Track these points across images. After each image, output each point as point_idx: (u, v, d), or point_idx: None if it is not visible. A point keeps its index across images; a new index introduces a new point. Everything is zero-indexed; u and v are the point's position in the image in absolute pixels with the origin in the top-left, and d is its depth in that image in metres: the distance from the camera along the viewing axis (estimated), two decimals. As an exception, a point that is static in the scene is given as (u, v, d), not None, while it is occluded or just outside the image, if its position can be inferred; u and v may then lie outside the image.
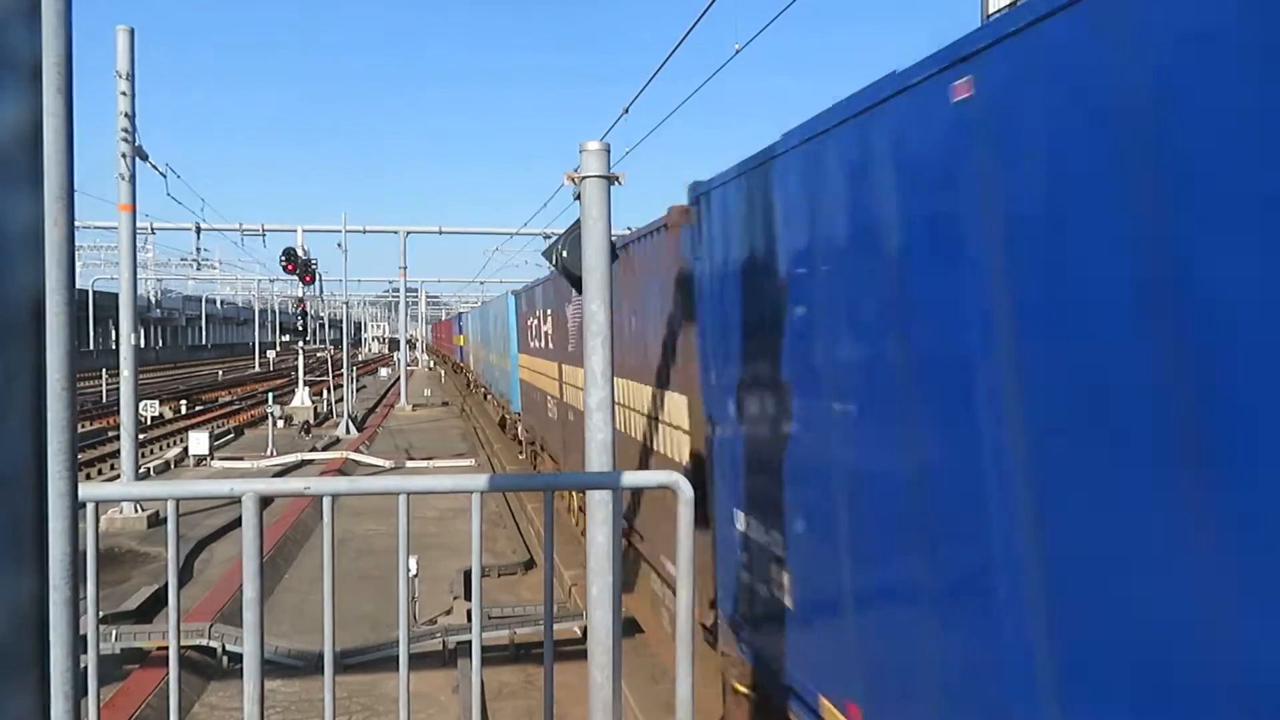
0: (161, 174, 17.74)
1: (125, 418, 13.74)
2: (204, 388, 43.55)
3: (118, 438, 15.87)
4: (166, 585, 3.28)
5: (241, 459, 19.77)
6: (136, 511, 13.62)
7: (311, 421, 27.04)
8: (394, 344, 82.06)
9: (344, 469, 18.81)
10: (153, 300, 77.95)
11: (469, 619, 8.45)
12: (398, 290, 42.13)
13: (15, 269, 1.09)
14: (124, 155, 13.54)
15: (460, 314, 42.17)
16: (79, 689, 1.31)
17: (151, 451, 21.23)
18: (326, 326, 50.80)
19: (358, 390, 37.62)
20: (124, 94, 13.50)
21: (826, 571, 3.93)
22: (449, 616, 9.23)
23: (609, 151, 4.46)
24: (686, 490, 3.06)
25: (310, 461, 19.74)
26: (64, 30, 1.26)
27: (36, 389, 1.13)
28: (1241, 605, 1.97)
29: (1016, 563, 2.68)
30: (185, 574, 11.04)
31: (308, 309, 28.99)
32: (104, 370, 35.29)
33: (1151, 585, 2.20)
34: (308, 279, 26.02)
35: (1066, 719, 2.51)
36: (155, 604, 9.60)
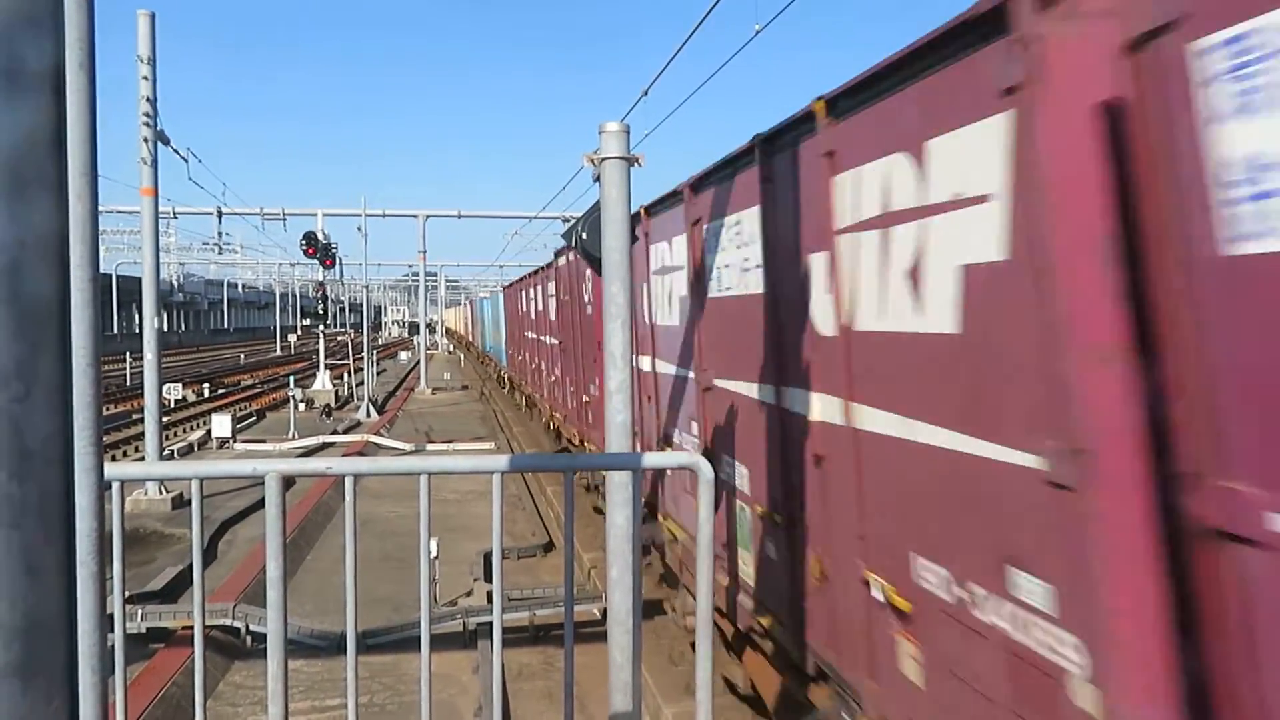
0: (183, 158, 17.82)
1: (149, 400, 13.88)
2: (226, 371, 43.90)
3: (142, 420, 16.04)
4: (191, 565, 3.32)
5: (264, 441, 19.93)
6: (161, 493, 13.77)
7: (332, 405, 27.21)
8: (415, 328, 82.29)
9: (365, 452, 18.93)
10: (175, 284, 78.63)
11: (489, 600, 8.52)
12: (417, 274, 42.18)
13: (44, 256, 1.10)
14: (146, 139, 13.62)
15: None
16: (106, 664, 1.32)
17: (175, 434, 21.44)
18: (347, 310, 51.15)
19: (378, 374, 37.83)
20: (145, 78, 13.56)
21: None
22: (469, 598, 9.29)
23: (628, 133, 4.44)
24: (707, 471, 3.06)
25: (331, 444, 19.88)
26: (86, 23, 1.26)
27: (62, 366, 1.14)
28: None
29: None
30: (209, 555, 11.16)
31: (328, 293, 29.12)
32: (128, 354, 35.62)
33: None
34: (328, 263, 26.13)
35: None
36: (180, 584, 9.72)
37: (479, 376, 41.73)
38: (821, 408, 4.36)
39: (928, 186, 3.33)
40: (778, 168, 4.85)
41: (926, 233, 3.36)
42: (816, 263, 4.35)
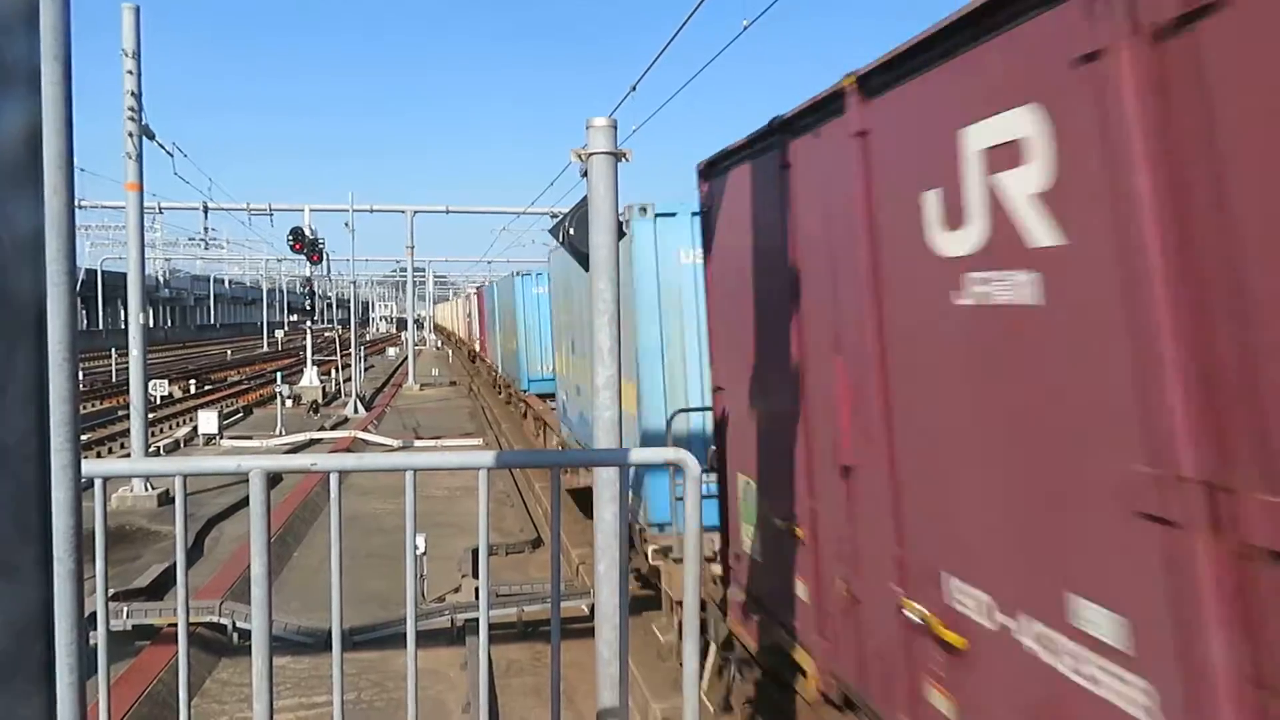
0: (168, 153, 17.72)
1: (135, 397, 13.80)
2: (213, 367, 43.68)
3: (128, 417, 15.95)
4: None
5: (250, 438, 19.84)
6: (147, 490, 13.70)
7: (320, 401, 27.11)
8: (403, 324, 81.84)
9: (352, 448, 18.88)
10: (161, 280, 78.18)
11: (477, 596, 8.51)
12: (405, 270, 42.05)
13: (22, 251, 1.08)
14: (130, 134, 13.52)
15: None
16: (84, 662, 1.31)
17: (161, 430, 21.33)
18: (334, 306, 51.05)
19: (365, 370, 37.70)
20: (130, 73, 13.46)
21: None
22: (457, 594, 9.28)
23: (616, 128, 4.42)
24: (694, 467, 3.05)
25: (319, 440, 19.82)
26: (62, 14, 1.24)
27: (38, 362, 1.12)
28: None
29: None
30: (195, 552, 11.10)
31: (315, 289, 29.00)
32: (113, 350, 35.40)
33: None
34: (315, 258, 26.03)
35: None
36: (167, 581, 9.66)
37: (466, 372, 41.57)
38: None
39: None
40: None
41: None
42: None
